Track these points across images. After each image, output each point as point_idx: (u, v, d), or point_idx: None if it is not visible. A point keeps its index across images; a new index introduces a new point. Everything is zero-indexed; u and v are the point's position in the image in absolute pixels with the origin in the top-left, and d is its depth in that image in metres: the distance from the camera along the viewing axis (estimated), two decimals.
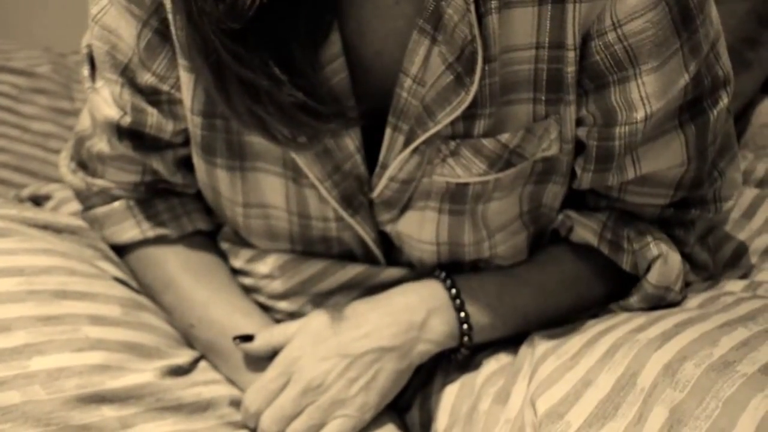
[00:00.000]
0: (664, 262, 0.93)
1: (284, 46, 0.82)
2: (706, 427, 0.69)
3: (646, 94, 0.86)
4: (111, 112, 0.96)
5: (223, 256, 1.04)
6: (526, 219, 0.96)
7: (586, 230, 0.95)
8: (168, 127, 0.96)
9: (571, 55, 0.85)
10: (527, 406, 0.82)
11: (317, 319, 0.93)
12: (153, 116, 0.95)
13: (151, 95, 0.95)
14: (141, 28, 0.90)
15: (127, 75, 0.94)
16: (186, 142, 0.98)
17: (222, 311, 0.98)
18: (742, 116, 1.48)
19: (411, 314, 0.92)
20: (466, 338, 0.93)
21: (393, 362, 0.90)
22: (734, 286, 0.98)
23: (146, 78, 0.93)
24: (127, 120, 0.95)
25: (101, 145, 0.99)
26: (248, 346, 0.94)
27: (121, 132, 0.96)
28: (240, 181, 0.96)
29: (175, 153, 0.99)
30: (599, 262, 0.97)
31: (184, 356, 0.95)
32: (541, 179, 0.93)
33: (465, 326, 0.93)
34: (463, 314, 0.93)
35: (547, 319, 0.96)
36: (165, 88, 0.94)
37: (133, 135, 0.97)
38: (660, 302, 0.95)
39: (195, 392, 0.91)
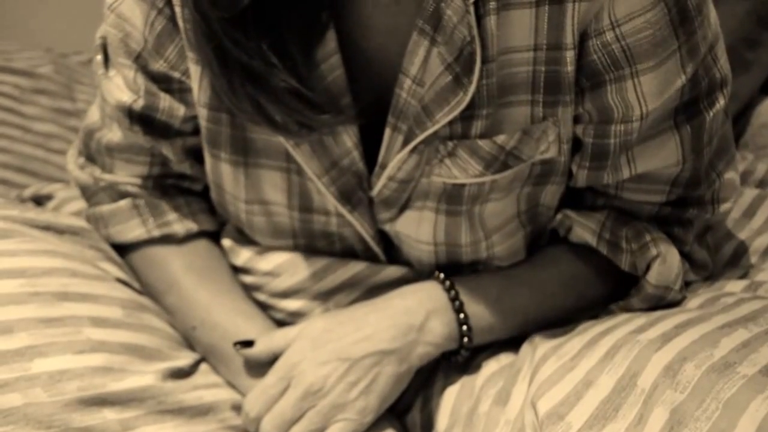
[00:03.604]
0: (663, 261, 0.93)
1: (282, 38, 0.85)
2: (706, 428, 0.69)
3: (642, 94, 0.86)
4: (124, 97, 0.97)
5: (226, 255, 1.04)
6: (524, 219, 0.96)
7: (584, 230, 0.96)
8: (179, 113, 0.97)
9: (570, 55, 0.85)
10: (527, 408, 0.83)
11: (317, 324, 0.93)
12: (165, 101, 0.97)
13: (163, 82, 0.96)
14: (156, 15, 0.92)
15: (139, 62, 0.95)
16: (195, 132, 0.99)
17: (224, 314, 0.98)
18: (741, 117, 1.48)
19: (410, 317, 0.92)
20: (465, 340, 0.93)
21: (392, 365, 0.90)
22: (734, 286, 0.98)
23: (159, 65, 0.95)
24: (139, 104, 0.96)
25: (110, 135, 1.00)
26: (249, 351, 0.94)
27: (132, 116, 0.97)
28: (243, 177, 0.97)
29: (184, 141, 1.00)
30: (599, 262, 0.97)
31: (186, 358, 0.95)
32: (539, 181, 0.94)
33: (464, 328, 0.93)
34: (462, 315, 0.93)
35: (548, 319, 0.96)
36: (176, 75, 0.95)
37: (144, 120, 0.98)
38: (660, 302, 0.95)
39: (196, 396, 0.91)
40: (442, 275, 0.95)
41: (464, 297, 0.94)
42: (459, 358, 0.95)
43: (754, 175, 1.29)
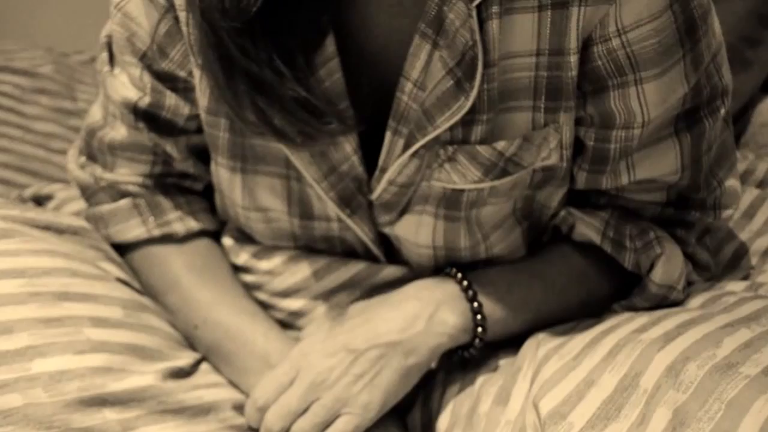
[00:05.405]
0: (667, 260, 0.93)
1: (286, 45, 0.84)
2: (709, 428, 0.69)
3: (644, 101, 0.86)
4: (130, 93, 0.97)
5: (226, 254, 1.04)
6: (518, 215, 0.96)
7: (588, 228, 0.95)
8: (184, 111, 0.97)
9: (573, 60, 0.85)
10: (529, 408, 0.82)
11: (332, 314, 0.93)
12: (171, 98, 0.97)
13: (169, 81, 0.96)
14: (164, 14, 0.92)
15: (145, 61, 0.95)
16: (199, 130, 0.99)
17: (227, 312, 0.98)
18: (742, 116, 1.48)
19: (419, 308, 0.91)
20: (480, 330, 0.92)
21: (398, 358, 0.90)
22: (736, 286, 0.98)
23: (164, 64, 0.95)
24: (145, 101, 0.97)
25: (113, 133, 1.00)
26: None
27: (137, 113, 0.98)
28: (240, 183, 0.97)
29: (188, 139, 1.00)
30: (602, 260, 0.97)
31: (186, 358, 0.95)
32: (539, 185, 0.94)
33: (478, 317, 0.92)
34: (476, 305, 0.92)
35: (557, 316, 0.95)
36: (182, 74, 0.95)
37: (149, 117, 0.98)
38: (663, 301, 0.95)
39: (197, 395, 0.91)
40: (453, 269, 0.95)
41: (477, 287, 0.93)
42: (472, 351, 0.93)
43: (754, 175, 1.29)
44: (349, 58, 0.89)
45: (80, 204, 1.11)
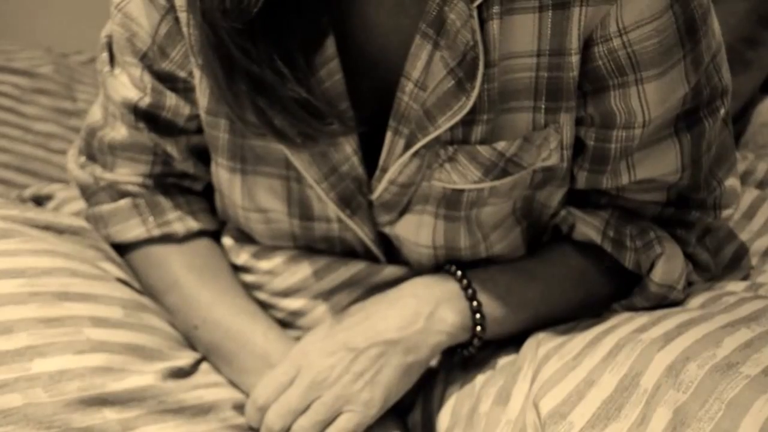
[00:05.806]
0: (667, 260, 0.93)
1: (286, 46, 0.84)
2: (709, 428, 0.69)
3: (645, 102, 0.86)
4: (130, 94, 0.97)
5: (226, 254, 1.04)
6: (518, 215, 0.96)
7: (589, 228, 0.96)
8: (185, 111, 0.97)
9: (574, 60, 0.85)
10: (529, 407, 0.82)
11: (332, 315, 0.94)
12: (171, 99, 0.97)
13: (169, 81, 0.96)
14: (164, 15, 0.92)
15: (145, 62, 0.95)
16: (199, 130, 0.99)
17: (226, 313, 0.98)
18: (742, 116, 1.48)
19: (418, 306, 0.91)
20: (478, 328, 0.92)
21: (398, 356, 0.90)
22: (736, 286, 0.98)
23: (164, 65, 0.95)
24: (146, 101, 0.97)
25: (113, 133, 1.00)
26: None
27: (138, 113, 0.97)
28: (240, 184, 0.97)
29: (188, 139, 1.00)
30: (603, 260, 0.97)
31: (186, 358, 0.95)
32: (539, 186, 0.94)
33: (477, 316, 0.92)
34: (475, 303, 0.92)
35: (556, 315, 0.96)
36: (182, 74, 0.95)
37: (149, 117, 0.98)
38: (663, 301, 0.95)
39: (197, 395, 0.91)
40: (453, 267, 0.95)
41: (476, 286, 0.93)
42: (471, 349, 0.94)
43: (754, 175, 1.29)
44: (350, 59, 0.89)
45: (80, 204, 1.11)
